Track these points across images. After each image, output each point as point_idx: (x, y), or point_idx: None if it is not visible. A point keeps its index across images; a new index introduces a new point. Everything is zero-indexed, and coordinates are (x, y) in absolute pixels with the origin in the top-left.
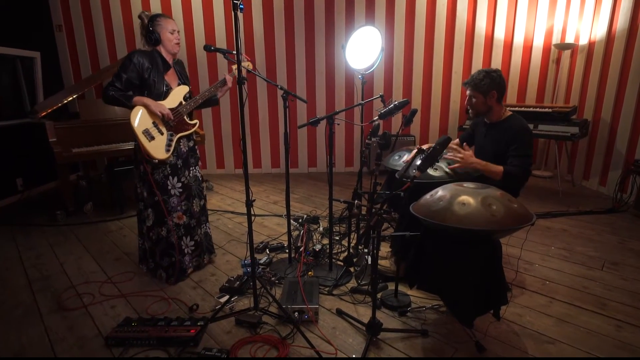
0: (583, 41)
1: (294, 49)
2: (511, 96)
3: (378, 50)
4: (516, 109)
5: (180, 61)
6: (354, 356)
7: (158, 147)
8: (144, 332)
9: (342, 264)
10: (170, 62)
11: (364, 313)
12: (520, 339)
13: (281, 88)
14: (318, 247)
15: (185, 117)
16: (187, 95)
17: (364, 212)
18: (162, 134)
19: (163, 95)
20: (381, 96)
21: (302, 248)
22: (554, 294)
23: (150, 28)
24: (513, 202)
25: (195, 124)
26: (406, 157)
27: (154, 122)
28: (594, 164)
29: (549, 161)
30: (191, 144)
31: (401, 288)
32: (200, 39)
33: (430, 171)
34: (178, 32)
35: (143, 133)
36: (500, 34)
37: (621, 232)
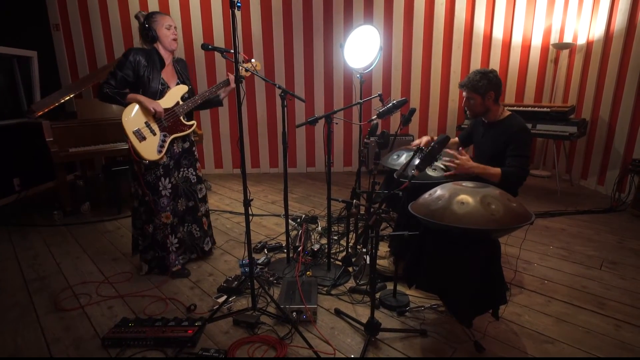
0: (581, 41)
1: (293, 48)
2: (509, 96)
3: (376, 50)
4: (514, 108)
5: (182, 60)
6: (352, 356)
7: (149, 148)
8: (141, 332)
9: (340, 263)
10: (169, 59)
11: (362, 313)
12: (519, 338)
13: (279, 87)
14: (316, 246)
15: (181, 118)
16: (186, 95)
17: (362, 212)
18: (154, 134)
19: (159, 94)
20: (380, 95)
21: (300, 248)
22: (552, 294)
23: (147, 26)
24: (512, 202)
25: (192, 125)
26: (404, 156)
27: (146, 122)
28: (592, 164)
29: (548, 161)
30: (187, 145)
31: (400, 288)
32: (198, 38)
33: (429, 170)
34: (175, 27)
35: (134, 133)
36: (498, 33)
37: (619, 231)
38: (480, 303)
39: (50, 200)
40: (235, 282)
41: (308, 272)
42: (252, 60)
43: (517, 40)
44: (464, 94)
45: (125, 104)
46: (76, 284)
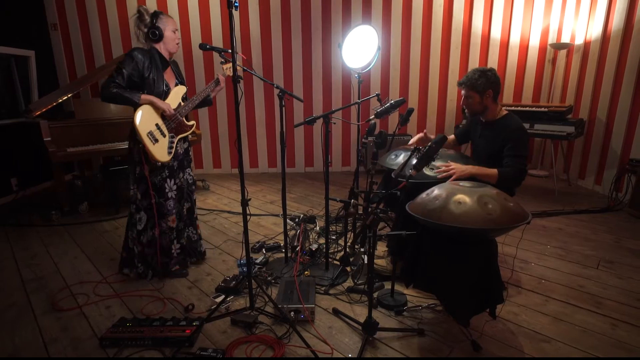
0: (579, 41)
1: (291, 47)
2: (507, 95)
3: (375, 49)
4: (512, 108)
5: (175, 61)
6: (350, 356)
7: (161, 150)
8: (139, 332)
9: (338, 263)
10: (168, 60)
11: (360, 312)
12: (516, 337)
13: (277, 87)
14: (314, 246)
15: (183, 118)
16: (185, 96)
17: (360, 212)
18: (164, 136)
19: (164, 95)
20: (378, 95)
21: (298, 247)
22: (549, 293)
23: (154, 23)
24: (509, 201)
25: (192, 125)
26: (402, 156)
27: (157, 124)
28: (589, 163)
29: (545, 160)
30: (186, 145)
31: (397, 287)
32: (196, 38)
33: (426, 170)
34: (179, 31)
35: (147, 135)
36: (496, 33)
37: (616, 231)
38: (477, 302)
39: (48, 200)
40: (233, 282)
41: (306, 272)
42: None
43: (515, 40)
44: (463, 92)
45: (137, 104)
46: (74, 284)
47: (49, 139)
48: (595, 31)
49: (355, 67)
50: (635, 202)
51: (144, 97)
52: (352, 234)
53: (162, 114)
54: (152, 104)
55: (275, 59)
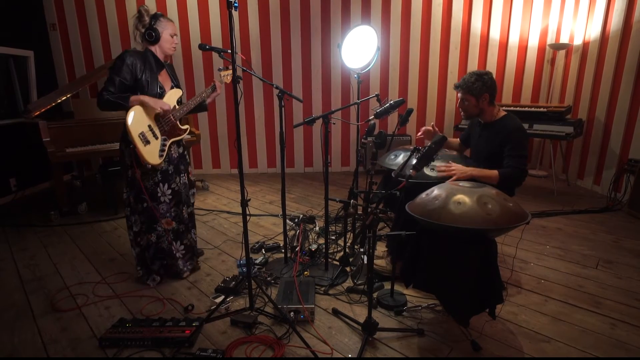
0: (577, 41)
1: (290, 48)
2: (506, 96)
3: (374, 50)
4: (511, 108)
5: (171, 64)
6: (349, 356)
7: (152, 152)
8: (138, 333)
9: (338, 263)
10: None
11: (360, 313)
12: (515, 337)
13: (277, 87)
14: (314, 246)
15: (177, 122)
16: (179, 100)
17: (360, 212)
18: (156, 138)
19: (158, 97)
20: (377, 95)
21: (298, 248)
22: (549, 293)
23: (153, 24)
24: (508, 201)
25: (186, 130)
26: (402, 156)
27: (149, 125)
28: (588, 163)
29: (544, 161)
30: (181, 149)
31: (397, 287)
32: (195, 38)
33: (426, 170)
34: (177, 36)
35: (139, 136)
36: (495, 34)
37: (615, 230)
38: (477, 302)
39: (47, 201)
40: (233, 282)
41: (306, 272)
42: (229, 67)
43: (514, 40)
44: (459, 94)
45: (128, 107)
46: (73, 285)
47: (48, 139)
48: (594, 31)
49: (354, 67)
50: (634, 202)
51: (134, 98)
52: (352, 234)
53: (156, 116)
54: (142, 103)
55: (275, 59)
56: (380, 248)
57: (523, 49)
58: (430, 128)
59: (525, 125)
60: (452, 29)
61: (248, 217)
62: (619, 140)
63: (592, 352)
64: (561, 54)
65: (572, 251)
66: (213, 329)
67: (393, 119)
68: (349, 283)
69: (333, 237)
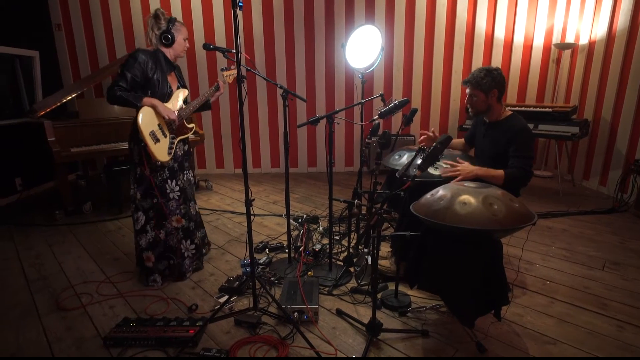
0: (583, 41)
1: (294, 47)
2: (511, 96)
3: (378, 50)
4: (516, 108)
5: (178, 66)
6: (354, 356)
7: (162, 150)
8: (142, 332)
9: (342, 264)
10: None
11: (364, 313)
12: (521, 339)
13: (281, 87)
14: (318, 247)
15: (184, 121)
16: (186, 99)
17: (364, 212)
18: (165, 136)
19: (167, 97)
20: (381, 95)
21: (301, 248)
22: (554, 294)
23: (170, 29)
24: (514, 202)
25: (192, 128)
26: (406, 156)
27: (159, 124)
28: (594, 164)
29: (549, 161)
30: (186, 147)
31: (401, 288)
32: (199, 38)
33: (431, 170)
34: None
35: (150, 135)
36: (500, 33)
37: (622, 232)
38: (482, 304)
39: (52, 200)
40: (237, 282)
41: (309, 272)
42: (232, 67)
43: (518, 40)
44: (467, 90)
45: (139, 106)
46: (78, 284)
47: (53, 139)
48: (600, 31)
49: (358, 67)
50: None
51: (146, 100)
52: (356, 235)
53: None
54: (154, 107)
55: (279, 59)
56: (385, 248)
57: (528, 48)
58: (431, 134)
59: (531, 126)
60: (457, 29)
61: (252, 217)
62: (625, 140)
63: (598, 354)
64: (567, 53)
65: (578, 252)
66: (217, 328)
67: (397, 119)
68: (353, 283)
69: (337, 238)
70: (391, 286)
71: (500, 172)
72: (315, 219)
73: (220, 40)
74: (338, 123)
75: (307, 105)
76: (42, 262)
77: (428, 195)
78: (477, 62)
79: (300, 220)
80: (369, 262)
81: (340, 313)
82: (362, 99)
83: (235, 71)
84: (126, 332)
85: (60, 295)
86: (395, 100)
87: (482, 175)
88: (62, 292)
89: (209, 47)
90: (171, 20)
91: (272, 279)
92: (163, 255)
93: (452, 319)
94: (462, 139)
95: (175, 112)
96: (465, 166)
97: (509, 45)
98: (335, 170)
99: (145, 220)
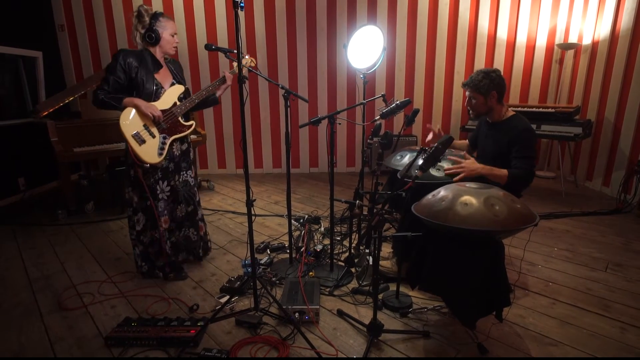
0: (586, 41)
1: (296, 48)
2: (514, 96)
3: (380, 50)
4: (519, 109)
5: (177, 61)
6: (354, 357)
7: (149, 151)
8: (143, 332)
9: (343, 264)
10: (162, 61)
11: (365, 314)
12: (523, 340)
13: (282, 87)
14: (319, 247)
15: (180, 118)
16: (182, 95)
17: (365, 212)
18: (153, 137)
19: (154, 95)
20: (383, 96)
21: (303, 248)
22: (557, 296)
23: (153, 27)
24: (516, 203)
25: (191, 126)
26: (408, 156)
27: (144, 125)
28: (597, 165)
29: (552, 162)
30: (184, 147)
31: (403, 289)
32: (201, 38)
33: (433, 171)
34: (177, 35)
35: (133, 137)
36: (502, 33)
37: (625, 233)
38: (483, 305)
39: (55, 200)
40: (238, 283)
41: (311, 273)
42: (247, 56)
43: (521, 40)
44: (467, 93)
45: (121, 108)
46: (79, 283)
47: (56, 139)
48: (603, 31)
49: (360, 67)
50: None
51: (127, 100)
52: (357, 235)
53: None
54: (137, 107)
55: (281, 59)
56: (386, 249)
57: (531, 48)
58: (437, 131)
59: (533, 126)
60: (459, 29)
61: (253, 218)
62: (628, 141)
63: (601, 356)
64: (570, 53)
65: (581, 254)
66: (218, 329)
67: (399, 119)
68: (354, 284)
69: (338, 238)
70: (392, 287)
71: (504, 171)
72: (316, 220)
73: (223, 40)
74: (340, 123)
75: (309, 106)
76: (44, 262)
77: (429, 196)
78: (480, 63)
79: (301, 220)
80: (370, 263)
81: (341, 314)
82: (364, 99)
83: (249, 59)
84: (127, 331)
85: (62, 295)
86: (397, 100)
87: (486, 174)
88: (64, 291)
89: (211, 47)
90: (154, 16)
91: (273, 279)
92: (160, 253)
93: (454, 320)
94: (466, 141)
95: (159, 110)
96: (470, 163)
97: (511, 46)
98: (337, 170)
99: (145, 220)
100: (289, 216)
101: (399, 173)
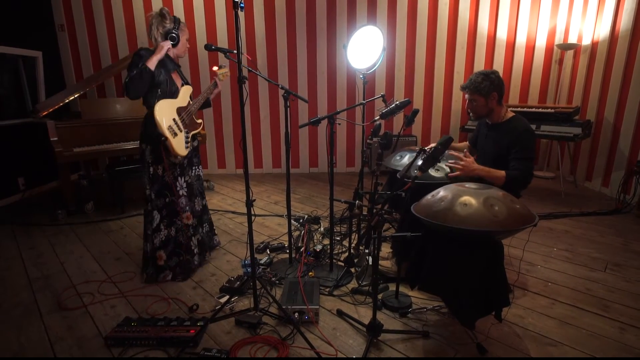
0: (586, 41)
1: (296, 48)
2: (513, 96)
3: (380, 50)
4: (518, 109)
5: (178, 64)
6: (354, 357)
7: (180, 144)
8: (143, 332)
9: (342, 264)
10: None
11: (364, 314)
12: (522, 340)
13: (282, 87)
14: (319, 247)
15: (193, 116)
16: (192, 95)
17: (365, 213)
18: (181, 130)
19: (175, 95)
20: (382, 96)
21: (302, 248)
22: (556, 296)
23: (175, 29)
24: (515, 203)
25: (201, 123)
26: (407, 157)
27: (174, 119)
28: (596, 165)
29: (552, 162)
30: (195, 143)
31: (402, 289)
32: (201, 38)
33: (432, 171)
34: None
35: (168, 129)
36: (502, 34)
37: (624, 233)
38: (483, 305)
39: (55, 200)
40: (238, 283)
41: (310, 273)
42: (224, 64)
43: (521, 40)
44: (467, 96)
45: (150, 72)
46: (79, 283)
47: (56, 139)
48: (603, 31)
49: (360, 67)
50: None
51: (149, 61)
52: (357, 235)
53: (178, 109)
54: (157, 54)
55: (280, 59)
56: (386, 249)
57: (530, 49)
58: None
59: (533, 126)
60: (459, 29)
61: (253, 218)
62: (628, 141)
63: (600, 356)
64: (569, 54)
65: (580, 254)
66: (217, 328)
67: (399, 119)
68: (353, 284)
69: (338, 238)
70: (392, 287)
71: (502, 173)
72: (316, 220)
73: (222, 40)
74: (339, 124)
75: (309, 106)
76: (44, 262)
77: (429, 196)
78: (479, 63)
79: (301, 220)
80: (370, 263)
81: (340, 314)
82: (364, 99)
83: (226, 70)
84: (127, 331)
85: (62, 295)
86: (397, 100)
87: (484, 176)
88: (63, 291)
89: (211, 47)
90: (176, 21)
91: (273, 279)
92: (174, 252)
93: (453, 320)
94: (466, 142)
95: (180, 107)
96: (470, 162)
97: (511, 46)
98: (337, 170)
99: (159, 219)
100: (289, 216)
101: (398, 173)
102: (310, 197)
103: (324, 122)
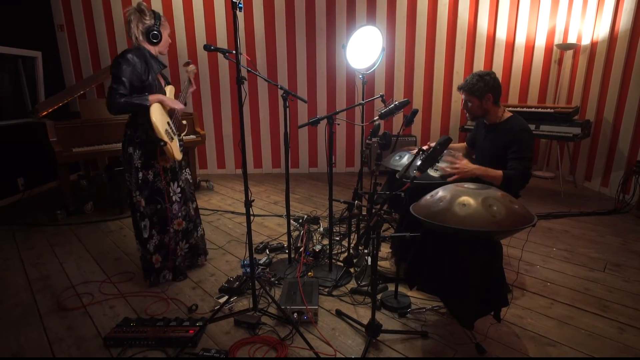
0: (585, 41)
1: (295, 48)
2: (513, 96)
3: (379, 50)
4: (518, 109)
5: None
6: (353, 357)
7: (176, 148)
8: (142, 332)
9: (342, 264)
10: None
11: (363, 314)
12: (521, 341)
13: (281, 88)
14: (318, 247)
15: (179, 117)
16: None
17: (364, 213)
18: (175, 134)
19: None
20: (382, 96)
21: (302, 248)
22: (555, 296)
23: (157, 26)
24: (514, 203)
25: (185, 125)
26: (406, 157)
27: (168, 122)
28: (596, 165)
29: (551, 162)
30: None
31: (401, 289)
32: (200, 38)
33: (431, 172)
34: None
35: (166, 133)
36: (502, 34)
37: (623, 233)
38: (481, 305)
39: (54, 200)
40: (237, 283)
41: (309, 273)
42: (191, 64)
43: (520, 40)
44: (463, 96)
45: (148, 106)
46: (78, 284)
47: (55, 139)
48: (602, 31)
49: (359, 68)
50: None
51: (152, 97)
52: (356, 235)
53: (169, 112)
54: (161, 102)
55: (280, 59)
56: (385, 249)
57: (530, 49)
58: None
59: (532, 126)
60: (458, 29)
61: (252, 218)
62: (627, 141)
63: (599, 356)
64: (569, 54)
65: (579, 254)
66: (217, 329)
67: (398, 119)
68: (352, 284)
69: (337, 238)
70: (391, 287)
71: (499, 172)
72: (315, 220)
73: (222, 41)
74: (339, 124)
75: (308, 106)
76: (43, 262)
77: (427, 197)
78: (479, 63)
79: (300, 220)
80: (369, 263)
81: (339, 314)
82: (363, 99)
83: (194, 66)
84: (126, 332)
85: (61, 295)
86: (396, 101)
87: (481, 175)
88: (63, 292)
89: (210, 48)
90: (157, 16)
91: (272, 279)
92: (166, 257)
93: (452, 320)
94: (464, 143)
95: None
96: (464, 164)
97: (510, 46)
98: (336, 170)
99: (150, 226)
100: (288, 216)
101: (397, 173)
102: (309, 197)
103: (324, 122)
